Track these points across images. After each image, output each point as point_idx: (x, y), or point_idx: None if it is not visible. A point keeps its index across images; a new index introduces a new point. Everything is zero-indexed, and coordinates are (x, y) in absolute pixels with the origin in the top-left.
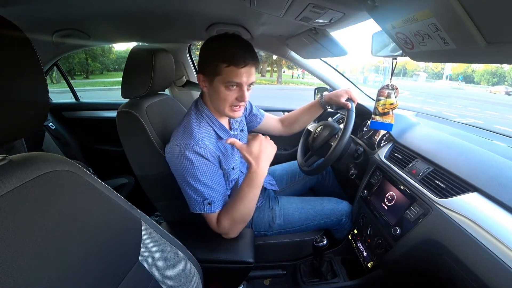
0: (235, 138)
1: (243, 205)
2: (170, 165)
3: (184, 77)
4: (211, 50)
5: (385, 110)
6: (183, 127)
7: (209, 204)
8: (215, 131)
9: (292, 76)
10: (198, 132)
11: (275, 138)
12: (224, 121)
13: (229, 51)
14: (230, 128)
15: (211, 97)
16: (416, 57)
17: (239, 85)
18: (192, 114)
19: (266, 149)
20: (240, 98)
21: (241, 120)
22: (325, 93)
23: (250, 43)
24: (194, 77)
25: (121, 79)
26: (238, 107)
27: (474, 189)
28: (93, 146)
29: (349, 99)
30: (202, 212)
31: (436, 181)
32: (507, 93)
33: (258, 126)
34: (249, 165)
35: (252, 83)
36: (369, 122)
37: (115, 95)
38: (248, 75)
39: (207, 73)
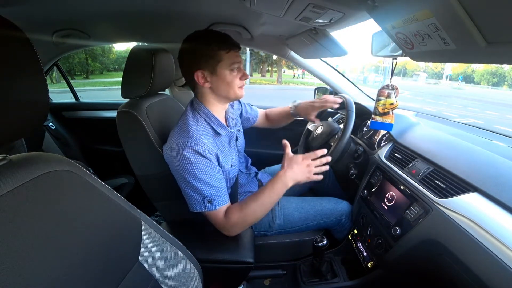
0: (233, 135)
1: (258, 206)
2: (169, 164)
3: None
4: (205, 44)
5: (385, 110)
6: (180, 126)
7: (209, 202)
8: (212, 128)
9: (294, 76)
10: (196, 130)
11: (275, 138)
12: (221, 119)
13: (222, 39)
14: (227, 126)
15: (217, 88)
16: (416, 57)
17: (239, 66)
18: (188, 113)
19: (302, 168)
20: (243, 76)
21: (237, 119)
22: (297, 101)
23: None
24: None
25: (121, 79)
26: (242, 86)
27: (474, 189)
28: (93, 146)
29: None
30: (203, 211)
31: (436, 181)
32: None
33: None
34: (280, 170)
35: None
36: (369, 122)
37: (115, 95)
38: (240, 56)
39: (206, 66)
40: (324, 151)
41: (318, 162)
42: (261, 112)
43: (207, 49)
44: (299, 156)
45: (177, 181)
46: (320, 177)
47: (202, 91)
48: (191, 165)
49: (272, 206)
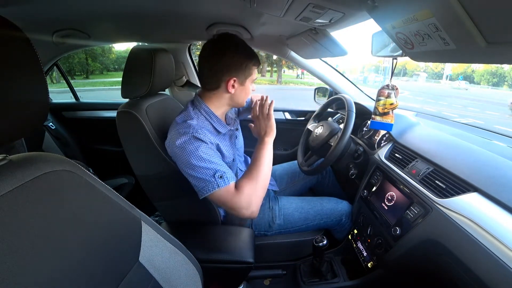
0: (232, 133)
1: (259, 167)
2: (173, 157)
3: (184, 77)
4: (244, 57)
5: (385, 110)
6: (180, 119)
7: (221, 177)
8: (212, 126)
9: (297, 76)
10: (196, 124)
11: (275, 138)
12: (222, 118)
13: (254, 54)
14: (227, 124)
15: (238, 96)
16: (416, 57)
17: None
18: (189, 110)
19: (258, 124)
20: (253, 89)
21: (235, 118)
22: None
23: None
24: (194, 77)
25: (121, 79)
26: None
27: (474, 189)
28: (93, 146)
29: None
30: (216, 189)
31: (436, 181)
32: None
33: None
34: (260, 135)
35: None
36: (369, 122)
37: (115, 95)
38: None
39: (241, 76)
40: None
41: (262, 108)
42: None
43: (248, 62)
44: (254, 123)
45: (184, 173)
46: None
47: (219, 95)
48: (195, 148)
49: (270, 161)
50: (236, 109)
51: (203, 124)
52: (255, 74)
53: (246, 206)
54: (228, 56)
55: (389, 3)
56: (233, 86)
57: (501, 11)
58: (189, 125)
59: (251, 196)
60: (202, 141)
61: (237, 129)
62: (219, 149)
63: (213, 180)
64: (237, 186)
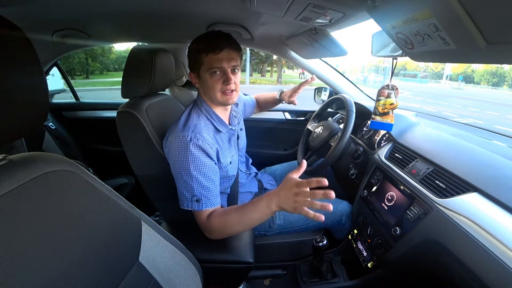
0: (234, 133)
1: (238, 220)
2: (167, 158)
3: (184, 77)
4: (193, 47)
5: (385, 110)
6: (182, 120)
7: (197, 201)
8: (213, 125)
9: (299, 76)
10: (197, 125)
11: (275, 138)
12: (224, 117)
13: (206, 41)
14: (229, 124)
15: (204, 90)
16: (416, 57)
17: (222, 70)
18: (191, 109)
19: (289, 195)
20: (226, 81)
21: (240, 117)
22: (284, 90)
23: (230, 35)
24: None
25: (121, 79)
26: (229, 91)
27: (474, 189)
28: (93, 146)
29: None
30: (190, 209)
31: (436, 181)
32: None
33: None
34: (274, 200)
35: (235, 67)
36: (369, 122)
37: (115, 95)
38: (228, 59)
39: (194, 68)
40: (323, 181)
41: (312, 194)
42: (254, 99)
43: (192, 51)
44: (293, 180)
45: (173, 175)
46: (321, 217)
47: (200, 91)
48: (187, 161)
49: (252, 224)
50: (242, 109)
51: (205, 123)
52: (209, 61)
53: (208, 233)
54: (187, 51)
55: (389, 3)
56: (195, 79)
57: (501, 11)
58: (189, 127)
59: (215, 231)
60: (202, 149)
61: (241, 129)
62: (217, 154)
63: (189, 200)
64: (211, 214)
